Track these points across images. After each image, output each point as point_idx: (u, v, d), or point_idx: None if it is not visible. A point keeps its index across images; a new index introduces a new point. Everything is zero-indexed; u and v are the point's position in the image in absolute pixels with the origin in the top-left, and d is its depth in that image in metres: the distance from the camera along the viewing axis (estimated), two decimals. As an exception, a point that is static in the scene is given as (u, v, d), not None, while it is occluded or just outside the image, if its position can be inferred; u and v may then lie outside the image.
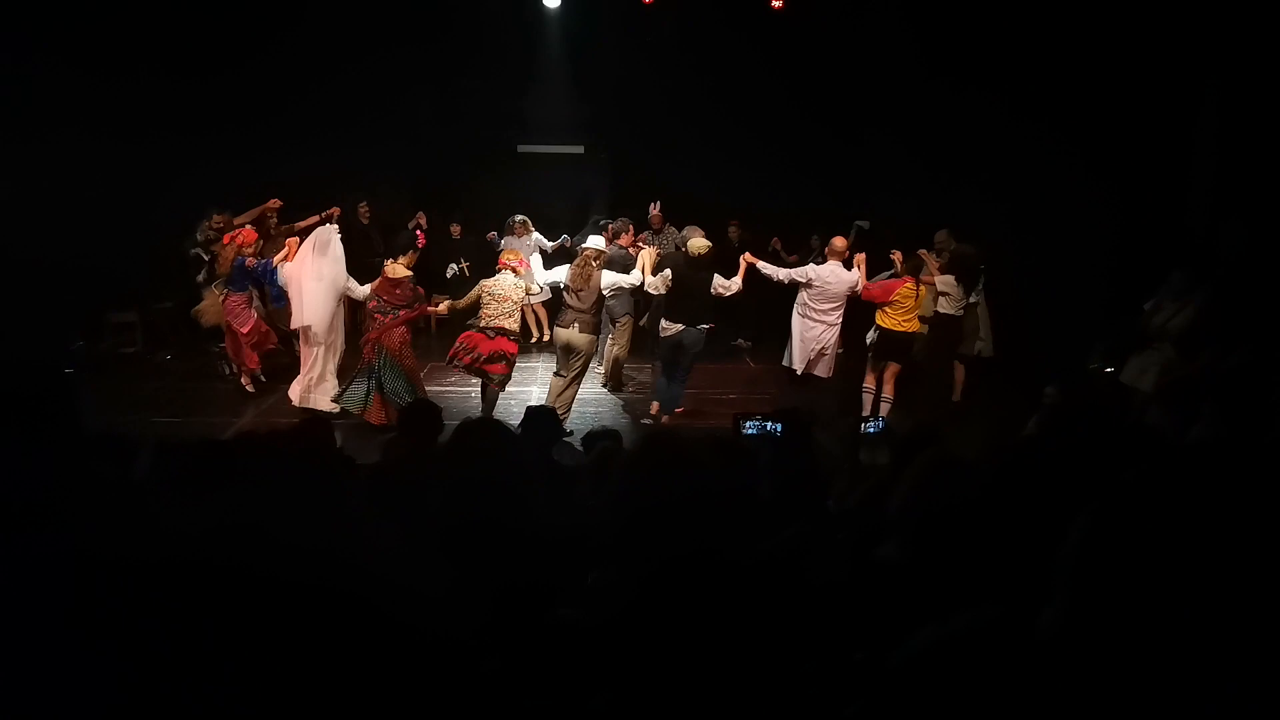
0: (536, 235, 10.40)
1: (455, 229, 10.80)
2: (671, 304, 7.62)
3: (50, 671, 1.29)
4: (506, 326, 7.30)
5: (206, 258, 8.39)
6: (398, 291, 7.44)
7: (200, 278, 8.49)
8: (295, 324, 7.79)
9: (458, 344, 7.40)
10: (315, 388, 7.71)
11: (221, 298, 8.20)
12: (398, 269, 7.50)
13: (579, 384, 7.69)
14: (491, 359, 7.28)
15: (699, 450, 3.26)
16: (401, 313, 7.42)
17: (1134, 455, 2.64)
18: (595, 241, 7.82)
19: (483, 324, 7.34)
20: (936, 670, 1.49)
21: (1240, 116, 7.31)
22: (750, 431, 3.73)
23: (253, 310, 8.26)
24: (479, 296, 7.42)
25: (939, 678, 1.48)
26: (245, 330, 8.16)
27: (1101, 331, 7.14)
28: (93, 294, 9.56)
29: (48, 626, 1.33)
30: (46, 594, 1.38)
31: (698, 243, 7.72)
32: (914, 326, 7.70)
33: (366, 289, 7.63)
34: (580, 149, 12.55)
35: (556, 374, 7.70)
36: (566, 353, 7.58)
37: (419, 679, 1.46)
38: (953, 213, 9.01)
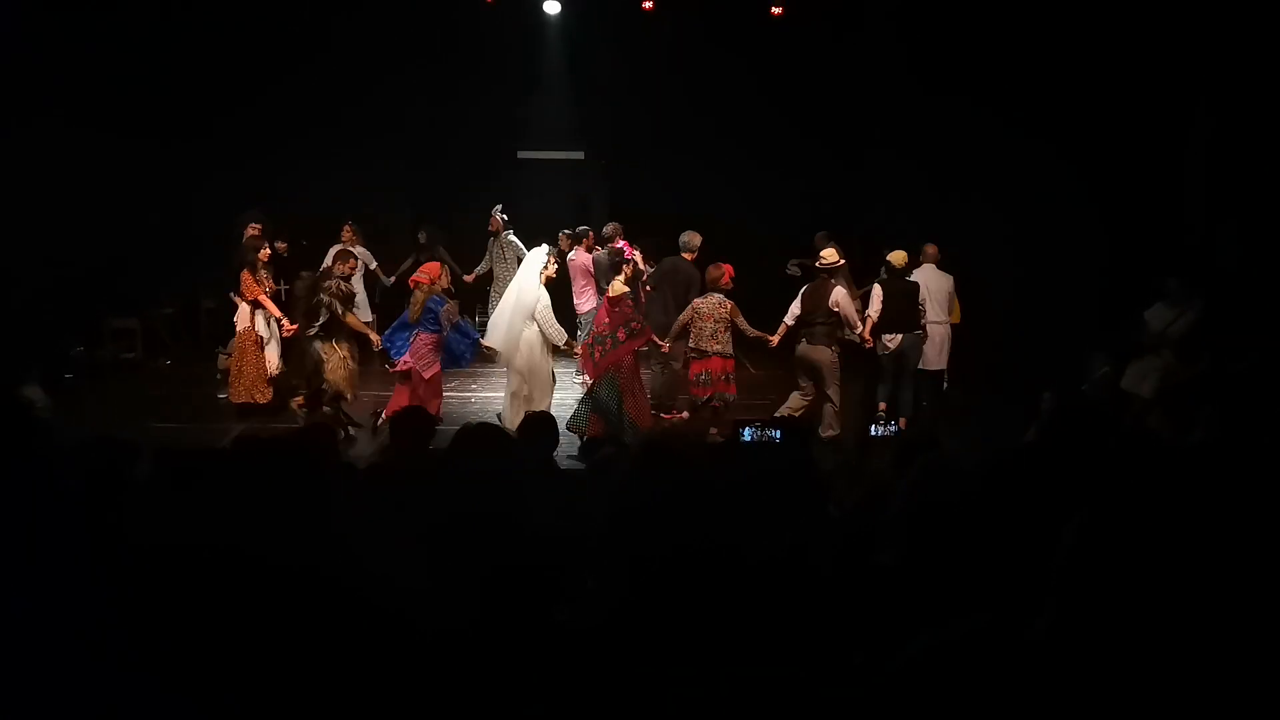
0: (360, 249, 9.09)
1: (281, 246, 8.92)
2: (887, 316, 7.62)
3: (50, 667, 1.29)
4: (706, 348, 7.17)
5: (334, 306, 7.14)
6: (617, 310, 6.93)
7: (313, 331, 7.13)
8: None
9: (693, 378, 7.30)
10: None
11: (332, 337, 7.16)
12: (616, 286, 6.99)
13: (817, 399, 7.37)
14: (723, 380, 7.27)
15: (699, 455, 3.26)
16: (624, 344, 6.87)
17: (1129, 461, 2.64)
18: (830, 254, 7.52)
19: (695, 347, 7.25)
20: (934, 674, 1.49)
21: (1232, 122, 7.33)
22: (749, 438, 3.72)
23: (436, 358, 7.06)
24: (690, 318, 7.26)
25: (937, 682, 1.48)
26: (429, 375, 6.97)
27: (1099, 338, 7.15)
28: (93, 300, 9.58)
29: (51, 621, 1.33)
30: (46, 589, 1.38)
31: (898, 255, 7.68)
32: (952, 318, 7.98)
33: (553, 332, 6.98)
34: (580, 155, 12.57)
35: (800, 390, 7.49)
36: (806, 369, 7.36)
37: (414, 674, 1.45)
38: (948, 223, 9.00)
